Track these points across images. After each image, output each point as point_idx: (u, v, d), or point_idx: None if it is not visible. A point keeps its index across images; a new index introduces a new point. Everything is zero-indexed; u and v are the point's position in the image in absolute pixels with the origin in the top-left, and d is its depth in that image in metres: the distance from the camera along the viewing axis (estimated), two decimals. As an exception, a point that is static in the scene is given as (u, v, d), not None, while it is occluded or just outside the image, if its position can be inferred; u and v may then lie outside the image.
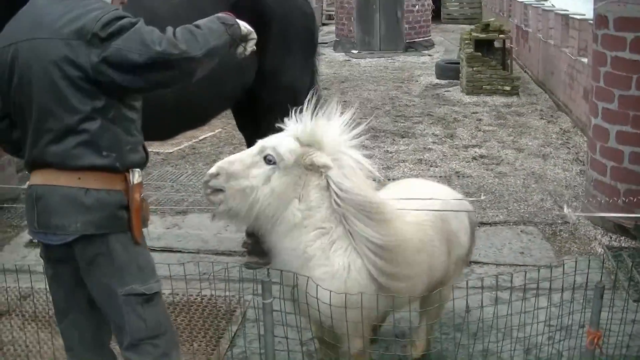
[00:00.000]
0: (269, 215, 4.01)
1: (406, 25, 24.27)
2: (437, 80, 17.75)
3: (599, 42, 7.89)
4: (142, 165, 3.58)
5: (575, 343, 4.84)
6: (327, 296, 3.97)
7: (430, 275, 4.62)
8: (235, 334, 5.69)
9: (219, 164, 4.01)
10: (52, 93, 3.29)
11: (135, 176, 3.50)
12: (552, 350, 5.12)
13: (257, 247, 6.82)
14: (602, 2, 7.77)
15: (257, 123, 6.61)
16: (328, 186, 4.05)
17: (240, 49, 3.74)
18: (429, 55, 22.90)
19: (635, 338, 5.21)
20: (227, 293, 5.68)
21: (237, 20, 3.64)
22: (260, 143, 4.04)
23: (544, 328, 4.90)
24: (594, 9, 8.11)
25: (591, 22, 9.25)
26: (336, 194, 4.02)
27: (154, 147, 10.82)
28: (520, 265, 6.80)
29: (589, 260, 5.00)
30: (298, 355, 4.93)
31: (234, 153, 4.57)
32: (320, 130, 4.08)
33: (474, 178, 9.62)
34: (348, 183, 4.04)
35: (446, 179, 9.30)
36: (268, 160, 3.97)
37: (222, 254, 7.05)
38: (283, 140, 4.03)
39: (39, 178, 3.43)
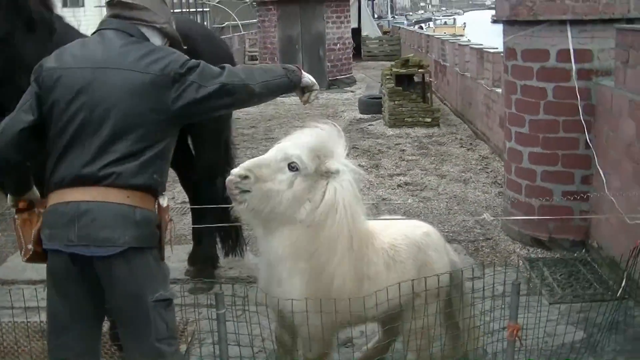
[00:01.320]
0: (284, 214, 4.41)
1: (328, 64, 24.96)
2: (361, 115, 18.37)
3: (509, 73, 8.59)
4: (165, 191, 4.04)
5: (497, 336, 5.34)
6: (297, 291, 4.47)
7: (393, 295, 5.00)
8: (186, 351, 6.07)
9: (247, 166, 4.36)
10: (128, 119, 3.71)
11: (165, 200, 3.95)
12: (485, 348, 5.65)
13: (199, 273, 7.32)
14: (511, 36, 8.47)
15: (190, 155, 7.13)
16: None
17: (305, 97, 4.50)
18: (352, 91, 23.59)
19: (551, 334, 5.74)
20: (180, 316, 6.19)
21: (303, 72, 4.34)
22: (283, 150, 4.43)
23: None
24: (504, 42, 8.82)
25: (502, 54, 9.96)
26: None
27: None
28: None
29: (504, 271, 5.53)
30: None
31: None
32: (332, 142, 4.55)
33: (400, 204, 10.17)
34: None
35: (374, 206, 9.81)
36: (292, 167, 4.38)
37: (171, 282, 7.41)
38: (304, 150, 4.44)
39: (81, 194, 3.70)
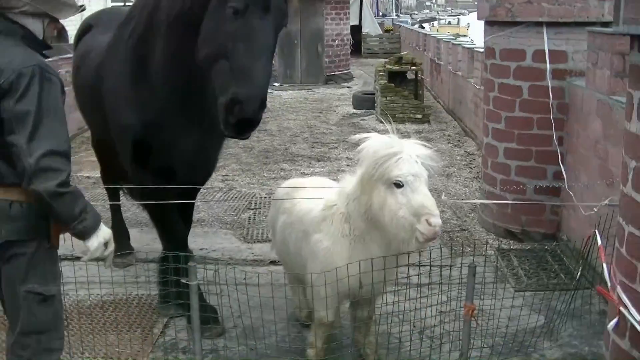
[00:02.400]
0: None
1: (326, 59, 25.28)
2: (354, 110, 18.73)
3: (488, 71, 8.92)
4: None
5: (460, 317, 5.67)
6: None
7: None
8: (165, 325, 6.41)
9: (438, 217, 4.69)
10: None
11: None
12: (441, 330, 5.99)
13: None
14: (490, 36, 8.79)
15: None
16: None
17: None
18: (348, 87, 23.91)
19: (513, 319, 6.07)
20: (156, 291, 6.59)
21: (101, 232, 3.99)
22: None
23: (437, 314, 5.79)
24: (484, 42, 9.14)
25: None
26: None
27: (85, 172, 11.52)
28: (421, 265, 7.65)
29: (472, 259, 5.84)
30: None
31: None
32: None
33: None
34: None
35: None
36: None
37: (152, 261, 7.70)
38: None
39: None
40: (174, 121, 5.71)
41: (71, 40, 8.64)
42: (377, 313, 5.71)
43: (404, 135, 13.72)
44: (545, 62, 8.14)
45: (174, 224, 6.32)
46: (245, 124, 4.67)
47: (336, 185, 5.78)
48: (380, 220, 4.87)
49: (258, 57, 4.69)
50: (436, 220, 4.61)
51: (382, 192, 4.79)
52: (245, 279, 6.22)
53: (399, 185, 4.69)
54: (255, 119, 4.66)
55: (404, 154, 4.76)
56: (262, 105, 4.64)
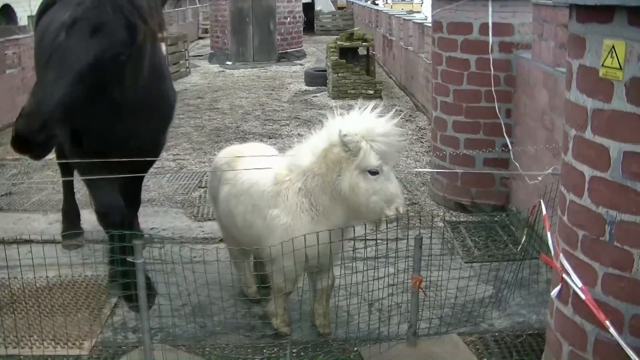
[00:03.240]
0: None
1: (279, 37, 25.15)
2: (306, 87, 18.70)
3: (435, 44, 8.93)
4: None
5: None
6: None
7: None
8: (115, 305, 6.36)
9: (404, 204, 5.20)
10: None
11: None
12: (390, 303, 6.01)
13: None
14: (437, 9, 8.79)
15: None
16: None
17: None
18: (301, 64, 23.83)
19: (462, 290, 6.12)
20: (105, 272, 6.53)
21: None
22: None
23: (385, 287, 5.81)
24: (432, 16, 9.15)
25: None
26: None
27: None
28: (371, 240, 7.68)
29: (420, 231, 5.86)
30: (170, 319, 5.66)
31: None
32: None
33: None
34: None
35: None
36: None
37: (101, 242, 7.63)
38: None
39: None
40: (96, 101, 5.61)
41: (21, 22, 8.52)
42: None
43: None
44: (490, 35, 8.16)
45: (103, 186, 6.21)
46: (20, 139, 4.56)
47: (278, 154, 5.91)
48: (352, 200, 5.09)
49: (51, 76, 4.63)
50: (404, 208, 5.15)
51: (354, 176, 5.03)
52: (195, 257, 6.19)
53: (373, 172, 5.00)
54: (27, 137, 4.54)
55: (378, 141, 5.00)
56: (42, 126, 4.51)
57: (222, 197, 5.91)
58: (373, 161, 4.98)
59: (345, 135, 5.00)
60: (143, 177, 6.88)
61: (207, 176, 10.26)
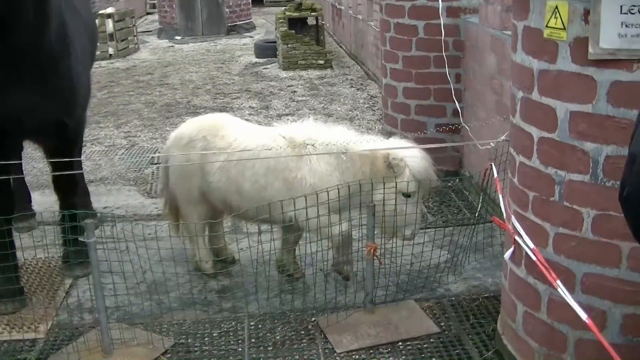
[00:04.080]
0: None
1: (227, 10, 24.88)
2: (257, 60, 18.50)
3: (383, 11, 8.90)
4: None
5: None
6: None
7: None
8: (70, 286, 6.29)
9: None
10: None
11: None
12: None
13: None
14: (384, -24, 8.77)
15: None
16: None
17: None
18: (250, 37, 23.63)
19: (419, 256, 6.14)
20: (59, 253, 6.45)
21: None
22: None
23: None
24: (379, -18, 9.12)
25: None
26: None
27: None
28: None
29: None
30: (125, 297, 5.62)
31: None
32: None
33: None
34: None
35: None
36: None
37: (54, 224, 7.55)
38: None
39: None
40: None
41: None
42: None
43: (307, 81, 13.63)
44: (439, 0, 8.16)
45: None
46: None
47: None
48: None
49: None
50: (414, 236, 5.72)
51: (388, 192, 5.40)
52: (149, 234, 6.15)
53: (406, 196, 5.47)
54: None
55: (419, 172, 5.53)
56: None
57: (215, 168, 5.86)
58: (411, 188, 5.44)
59: (393, 158, 5.43)
60: (73, 162, 6.38)
61: (159, 152, 10.24)
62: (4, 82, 5.47)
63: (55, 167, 6.35)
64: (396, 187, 5.38)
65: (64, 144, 6.28)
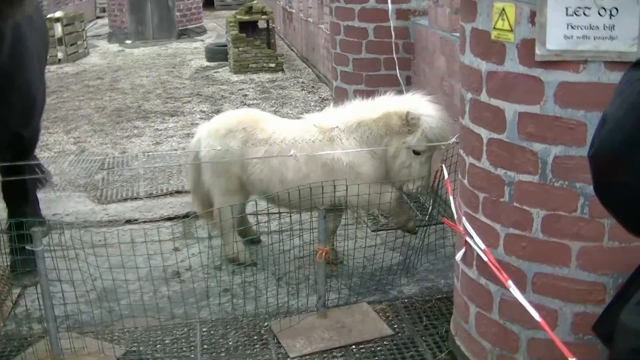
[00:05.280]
0: None
1: (178, 13, 24.74)
2: (208, 63, 18.45)
3: (333, 14, 8.89)
4: None
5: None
6: None
7: None
8: (18, 296, 6.18)
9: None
10: None
11: None
12: (297, 276, 6.01)
13: None
14: (333, -21, 8.76)
15: None
16: None
17: None
18: (202, 40, 23.54)
19: (371, 259, 6.14)
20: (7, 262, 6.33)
21: None
22: None
23: (293, 259, 5.80)
24: (328, -16, 9.11)
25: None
26: None
27: None
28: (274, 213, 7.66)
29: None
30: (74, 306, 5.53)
31: None
32: None
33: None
34: None
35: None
36: None
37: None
38: None
39: None
40: None
41: None
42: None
43: (258, 84, 13.58)
44: (388, 2, 8.16)
45: None
46: None
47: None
48: (388, 163, 5.92)
49: None
50: (420, 191, 6.08)
51: (400, 147, 5.79)
52: (99, 240, 6.07)
53: (416, 153, 5.80)
54: None
55: (433, 131, 5.77)
56: None
57: (257, 160, 6.06)
58: (422, 145, 5.72)
59: (410, 114, 5.69)
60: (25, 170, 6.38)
61: (108, 157, 10.15)
62: None
63: (5, 174, 6.25)
64: (408, 142, 5.75)
65: (19, 154, 6.17)
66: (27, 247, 5.03)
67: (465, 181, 4.35)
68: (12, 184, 6.23)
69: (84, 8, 29.03)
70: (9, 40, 5.51)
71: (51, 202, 8.38)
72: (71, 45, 19.64)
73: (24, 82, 5.89)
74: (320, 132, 5.96)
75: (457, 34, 6.81)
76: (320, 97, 13.59)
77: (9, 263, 6.42)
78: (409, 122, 5.71)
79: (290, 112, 12.40)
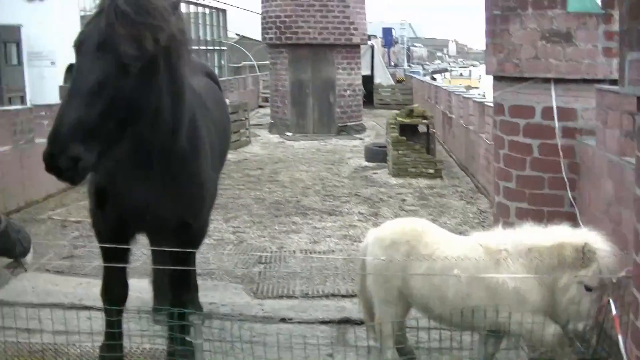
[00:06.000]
0: None
1: (338, 110, 25.31)
2: (366, 163, 18.69)
3: (497, 127, 8.88)
4: None
5: None
6: None
7: None
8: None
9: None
10: None
11: None
12: None
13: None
14: (499, 91, 8.77)
15: None
16: None
17: None
18: (360, 139, 23.92)
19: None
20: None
21: None
22: None
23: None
24: (493, 97, 9.11)
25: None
26: None
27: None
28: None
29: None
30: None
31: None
32: None
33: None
34: None
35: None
36: None
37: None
38: None
39: None
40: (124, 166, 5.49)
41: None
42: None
43: (416, 190, 13.57)
44: (554, 119, 8.10)
45: (111, 274, 6.12)
46: (47, 164, 4.54)
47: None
48: (557, 296, 5.64)
49: (67, 99, 4.63)
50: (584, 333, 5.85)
51: (571, 281, 5.55)
52: (254, 336, 6.16)
53: (588, 289, 5.52)
54: (51, 161, 4.52)
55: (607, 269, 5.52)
56: (61, 149, 4.48)
57: (418, 276, 6.04)
58: (595, 281, 5.48)
59: (587, 246, 5.52)
60: (189, 257, 6.45)
61: (266, 251, 10.35)
62: (132, 177, 5.56)
63: (172, 262, 6.33)
64: (581, 277, 5.51)
65: (185, 245, 6.16)
66: (187, 338, 5.16)
67: (639, 323, 4.21)
68: (178, 272, 6.30)
69: (248, 97, 30.07)
70: (187, 123, 5.61)
71: (208, 290, 8.60)
72: (234, 133, 20.38)
73: (196, 171, 5.93)
74: (486, 253, 5.86)
75: (628, 159, 6.68)
76: (479, 209, 13.44)
77: (166, 348, 6.51)
78: (585, 255, 5.54)
79: (449, 222, 12.30)
